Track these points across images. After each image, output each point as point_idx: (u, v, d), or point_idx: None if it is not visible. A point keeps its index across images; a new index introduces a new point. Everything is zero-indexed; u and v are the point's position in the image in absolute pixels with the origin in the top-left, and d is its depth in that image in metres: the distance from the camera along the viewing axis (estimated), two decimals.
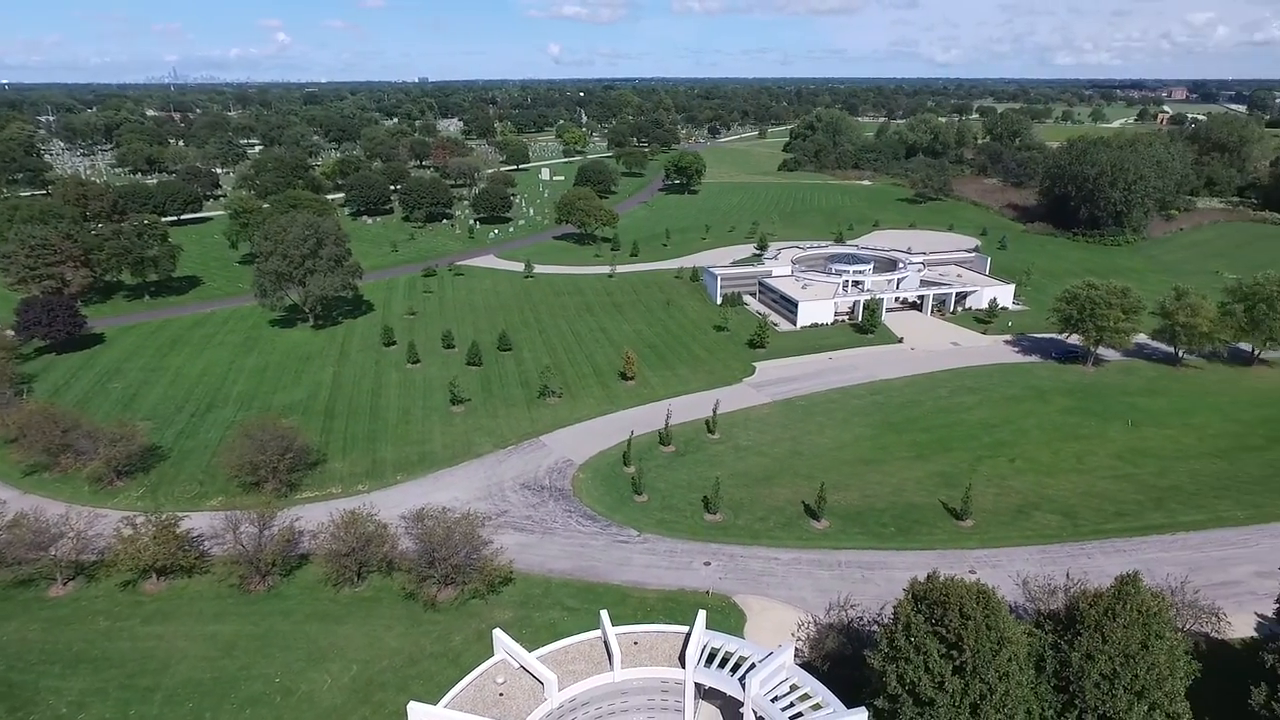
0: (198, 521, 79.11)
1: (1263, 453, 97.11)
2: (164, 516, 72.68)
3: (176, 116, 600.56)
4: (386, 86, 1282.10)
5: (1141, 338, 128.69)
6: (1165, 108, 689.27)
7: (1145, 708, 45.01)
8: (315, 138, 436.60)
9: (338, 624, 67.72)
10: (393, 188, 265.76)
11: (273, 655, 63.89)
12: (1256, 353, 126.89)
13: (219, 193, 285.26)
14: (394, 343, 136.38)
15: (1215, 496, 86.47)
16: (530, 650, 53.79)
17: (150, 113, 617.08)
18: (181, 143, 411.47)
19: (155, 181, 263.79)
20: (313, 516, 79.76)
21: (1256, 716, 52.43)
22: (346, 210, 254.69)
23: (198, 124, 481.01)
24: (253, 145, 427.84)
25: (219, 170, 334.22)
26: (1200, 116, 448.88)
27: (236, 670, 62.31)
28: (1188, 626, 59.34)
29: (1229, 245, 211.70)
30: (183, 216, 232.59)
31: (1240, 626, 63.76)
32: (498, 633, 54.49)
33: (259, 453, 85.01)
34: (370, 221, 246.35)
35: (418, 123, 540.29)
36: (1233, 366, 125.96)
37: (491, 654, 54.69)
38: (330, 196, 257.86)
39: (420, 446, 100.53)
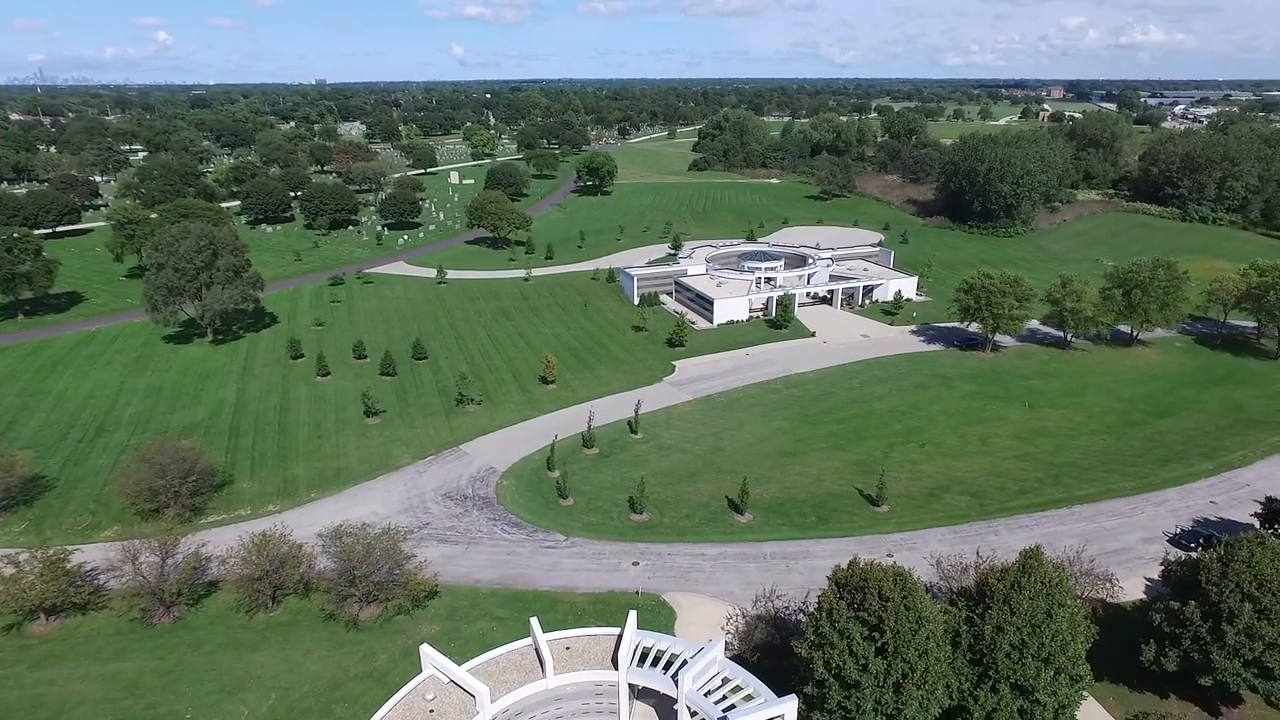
0: (91, 554, 74.08)
1: (1144, 427, 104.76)
2: (51, 551, 67.57)
3: (46, 120, 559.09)
4: (281, 89, 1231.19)
5: (1034, 323, 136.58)
6: (1045, 106, 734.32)
7: (1052, 673, 47.77)
8: (206, 143, 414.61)
9: (253, 652, 64.58)
10: (293, 194, 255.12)
11: (181, 690, 60.31)
12: (1135, 334, 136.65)
13: (99, 202, 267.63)
14: (301, 355, 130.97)
15: (1105, 470, 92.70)
16: (460, 663, 52.71)
17: (15, 116, 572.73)
18: (53, 149, 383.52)
19: (25, 191, 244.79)
20: (221, 541, 75.89)
21: (1147, 671, 56.66)
22: (244, 219, 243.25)
23: (71, 128, 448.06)
24: (135, 151, 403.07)
25: (98, 178, 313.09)
26: (1076, 114, 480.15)
27: (142, 710, 58.51)
28: (1085, 593, 63.32)
29: (1107, 234, 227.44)
30: (59, 229, 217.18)
31: (1131, 590, 68.53)
32: (425, 648, 53.19)
33: (158, 477, 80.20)
34: (270, 230, 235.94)
35: (317, 126, 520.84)
36: (1115, 348, 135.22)
37: (419, 670, 53.31)
38: (225, 204, 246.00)
39: (334, 462, 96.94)
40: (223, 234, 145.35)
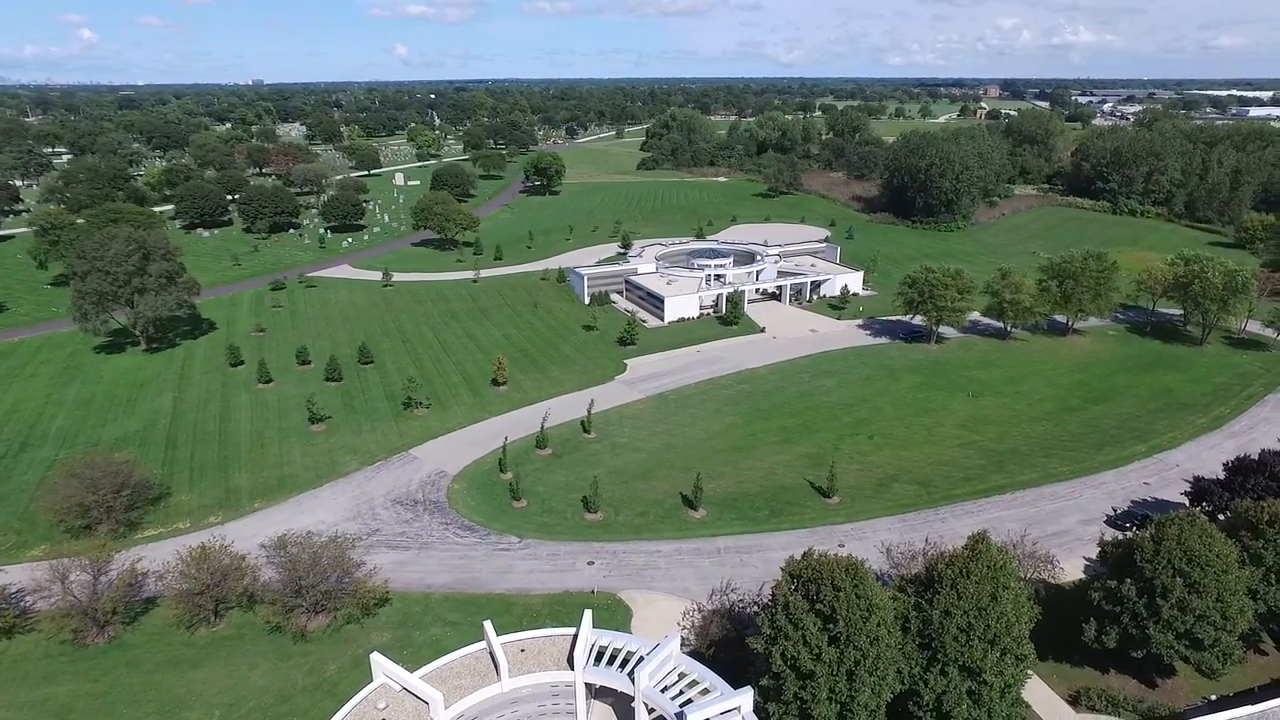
0: (16, 575, 70.67)
1: (1080, 413, 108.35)
2: None
3: None
4: (216, 89, 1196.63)
5: (975, 315, 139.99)
6: (983, 104, 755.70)
7: (998, 653, 48.92)
8: (136, 145, 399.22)
9: (194, 669, 62.30)
10: (230, 197, 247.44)
11: (118, 713, 57.81)
12: (1070, 323, 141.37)
13: (20, 207, 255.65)
14: (242, 362, 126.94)
15: (1045, 455, 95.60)
16: (412, 670, 51.70)
17: None
18: None
19: None
20: (158, 555, 73.16)
21: (1087, 648, 58.55)
22: (178, 223, 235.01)
23: None
24: (59, 154, 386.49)
25: (19, 182, 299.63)
26: (1012, 112, 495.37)
27: None
28: (1029, 575, 65.08)
29: (1042, 227, 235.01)
30: None
31: (1071, 570, 70.76)
32: (376, 656, 51.96)
33: (89, 492, 76.77)
34: (206, 234, 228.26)
35: (254, 128, 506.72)
36: (1052, 337, 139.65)
37: (370, 680, 52.06)
38: (158, 209, 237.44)
39: (278, 470, 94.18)
40: (154, 238, 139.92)
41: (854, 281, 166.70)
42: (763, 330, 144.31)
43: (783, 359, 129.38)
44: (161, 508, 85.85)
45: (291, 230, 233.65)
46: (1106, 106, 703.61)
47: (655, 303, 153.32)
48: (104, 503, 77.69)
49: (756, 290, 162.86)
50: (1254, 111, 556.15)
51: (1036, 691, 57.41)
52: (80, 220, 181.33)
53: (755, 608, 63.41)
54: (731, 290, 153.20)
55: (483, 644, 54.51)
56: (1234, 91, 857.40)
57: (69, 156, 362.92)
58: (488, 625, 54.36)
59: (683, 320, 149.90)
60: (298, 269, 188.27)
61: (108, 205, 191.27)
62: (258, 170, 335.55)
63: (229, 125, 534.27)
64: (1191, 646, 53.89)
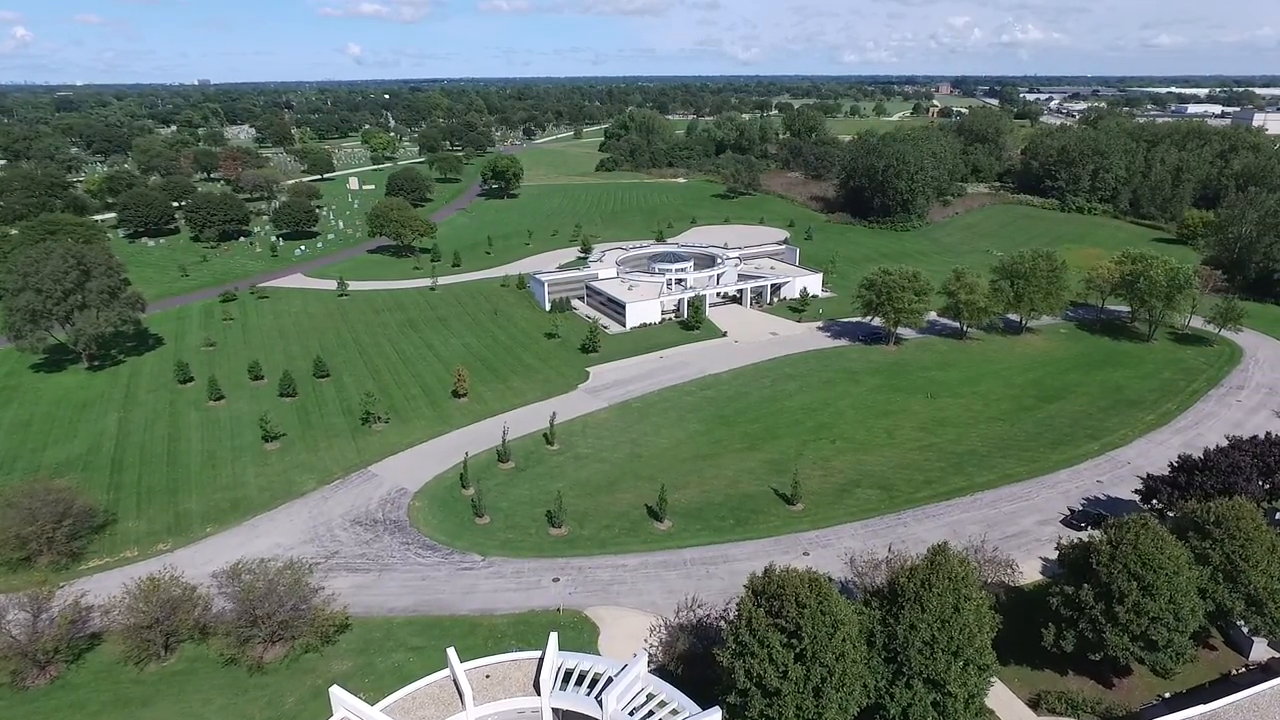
0: None
1: (1034, 412, 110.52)
2: None
3: None
4: (160, 89, 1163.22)
5: (932, 315, 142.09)
6: (935, 102, 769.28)
7: (961, 664, 49.45)
8: (74, 150, 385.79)
9: (144, 707, 59.99)
10: (176, 205, 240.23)
11: None
12: (1024, 322, 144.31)
13: None
14: (191, 379, 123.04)
15: (1002, 456, 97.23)
16: (374, 702, 50.30)
17: None
18: None
19: None
20: (104, 588, 70.43)
21: (1046, 651, 59.49)
22: (121, 232, 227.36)
23: None
24: None
25: None
26: (963, 110, 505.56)
27: None
28: (989, 580, 65.95)
29: (995, 226, 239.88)
30: None
31: (1029, 571, 72.06)
32: (335, 689, 50.46)
33: (27, 523, 73.52)
34: (152, 243, 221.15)
35: (201, 131, 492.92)
36: (1006, 336, 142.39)
37: (331, 713, 50.54)
38: (99, 217, 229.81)
39: (231, 492, 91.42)
40: (95, 253, 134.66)
41: (813, 283, 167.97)
42: (724, 334, 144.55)
43: (745, 363, 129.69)
44: (107, 536, 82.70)
45: (241, 238, 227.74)
46: (1053, 104, 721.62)
47: (617, 308, 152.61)
48: (43, 533, 74.41)
49: (718, 294, 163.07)
50: (1191, 109, 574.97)
51: (998, 695, 58.16)
52: (14, 232, 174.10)
53: (722, 622, 63.30)
54: (693, 294, 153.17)
55: (446, 671, 53.32)
56: (1173, 89, 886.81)
57: (2, 163, 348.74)
58: (451, 652, 53.23)
59: (645, 326, 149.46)
60: (249, 279, 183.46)
61: (45, 216, 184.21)
62: (205, 175, 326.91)
63: (174, 128, 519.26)
64: (1146, 648, 55.09)
